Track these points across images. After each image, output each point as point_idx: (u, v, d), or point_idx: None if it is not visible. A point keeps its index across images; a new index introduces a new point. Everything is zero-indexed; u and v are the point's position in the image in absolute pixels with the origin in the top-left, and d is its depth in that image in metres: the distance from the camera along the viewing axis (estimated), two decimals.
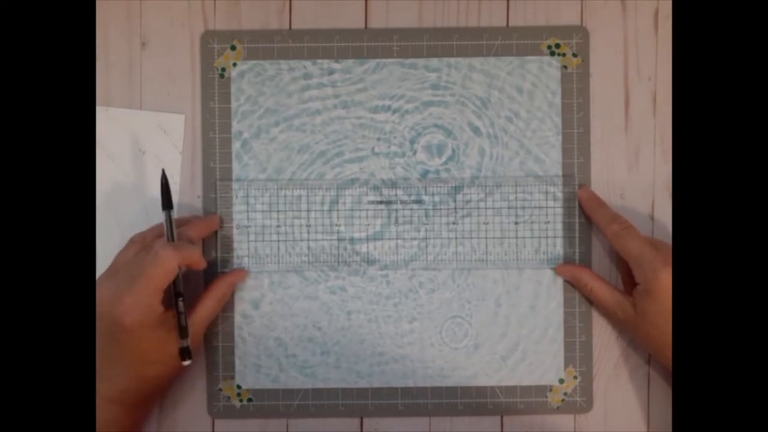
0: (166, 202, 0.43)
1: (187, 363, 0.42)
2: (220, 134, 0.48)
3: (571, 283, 0.47)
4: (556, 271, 0.47)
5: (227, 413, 0.47)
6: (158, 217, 0.47)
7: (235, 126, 0.47)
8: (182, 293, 0.42)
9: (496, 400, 0.47)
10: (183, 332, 0.42)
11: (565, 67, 0.48)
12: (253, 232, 0.47)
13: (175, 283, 0.42)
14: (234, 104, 0.48)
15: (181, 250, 0.41)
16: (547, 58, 0.48)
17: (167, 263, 0.40)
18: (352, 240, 0.47)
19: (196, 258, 0.42)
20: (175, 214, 0.47)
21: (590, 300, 0.47)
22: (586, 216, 0.47)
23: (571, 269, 0.46)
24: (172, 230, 0.42)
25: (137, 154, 0.47)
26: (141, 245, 0.43)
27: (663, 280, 0.41)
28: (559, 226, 0.47)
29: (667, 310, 0.41)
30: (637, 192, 0.48)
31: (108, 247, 0.46)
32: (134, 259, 0.41)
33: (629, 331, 0.45)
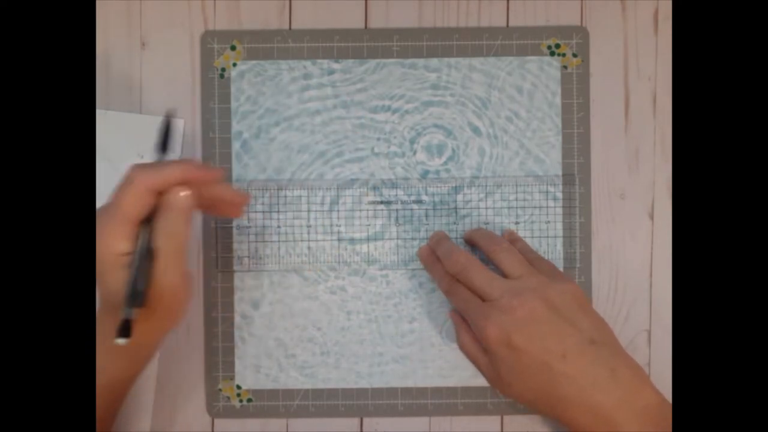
0: (161, 145, 0.36)
1: (121, 342, 0.32)
2: (220, 134, 0.48)
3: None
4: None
5: (227, 413, 0.47)
6: None
7: (235, 126, 0.48)
8: (152, 249, 0.34)
9: (496, 400, 0.47)
10: (137, 300, 0.33)
11: (565, 67, 0.48)
12: (253, 232, 0.47)
13: (148, 235, 0.34)
14: (234, 104, 0.48)
15: (159, 170, 0.34)
16: (547, 58, 0.48)
17: (135, 186, 0.33)
18: (352, 240, 0.47)
19: (184, 173, 0.34)
20: None
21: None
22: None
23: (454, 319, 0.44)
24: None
25: (136, 158, 0.47)
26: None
27: (490, 335, 0.40)
28: (560, 226, 0.47)
29: (514, 365, 0.39)
30: (637, 192, 0.48)
31: None
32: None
33: (505, 395, 0.43)
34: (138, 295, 0.33)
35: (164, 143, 0.37)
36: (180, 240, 0.35)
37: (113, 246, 0.34)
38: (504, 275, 0.42)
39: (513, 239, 0.46)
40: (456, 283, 0.43)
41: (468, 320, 0.42)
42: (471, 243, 0.46)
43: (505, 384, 0.41)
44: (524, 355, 0.39)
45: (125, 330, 0.33)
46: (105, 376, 0.37)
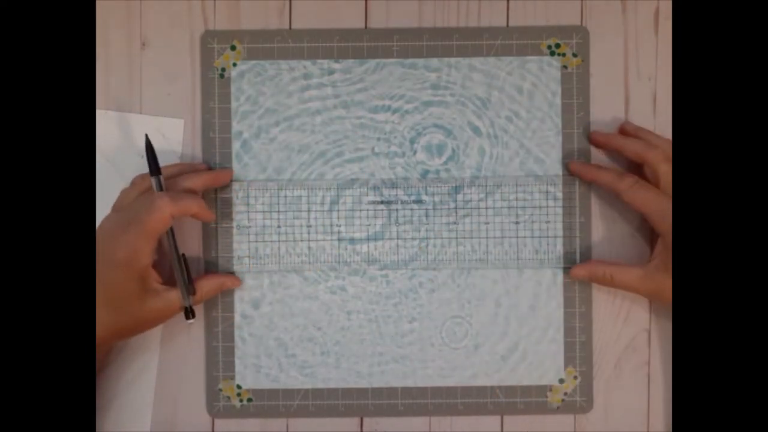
0: (154, 168, 0.43)
1: (191, 321, 0.44)
2: (220, 134, 0.48)
3: (588, 281, 0.47)
4: (572, 275, 0.46)
5: (227, 413, 0.47)
6: None
7: (235, 126, 0.48)
8: (184, 255, 0.44)
9: (496, 400, 0.47)
10: (190, 289, 0.44)
11: (565, 67, 0.48)
12: (253, 232, 0.47)
13: (175, 243, 0.44)
14: (234, 104, 0.48)
15: (179, 201, 0.42)
16: (547, 58, 0.48)
17: (161, 211, 0.41)
18: (352, 240, 0.47)
19: (196, 209, 0.43)
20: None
21: (614, 287, 0.45)
22: (586, 183, 0.47)
23: (585, 267, 0.46)
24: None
25: (136, 158, 0.47)
26: (141, 187, 0.44)
27: None
28: (559, 225, 0.47)
29: None
30: None
31: None
32: (133, 203, 0.43)
33: (663, 300, 0.44)
34: (191, 287, 0.44)
35: (155, 166, 0.43)
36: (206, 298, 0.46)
37: (140, 256, 0.41)
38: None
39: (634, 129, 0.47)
40: (640, 182, 0.44)
41: (651, 219, 0.43)
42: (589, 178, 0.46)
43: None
44: None
45: (191, 313, 0.44)
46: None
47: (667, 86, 0.48)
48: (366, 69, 0.48)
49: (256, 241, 0.47)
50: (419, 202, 0.47)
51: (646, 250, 0.47)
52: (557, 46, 0.48)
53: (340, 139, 0.47)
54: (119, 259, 0.40)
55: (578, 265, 0.46)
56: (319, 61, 0.48)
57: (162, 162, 0.44)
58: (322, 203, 0.47)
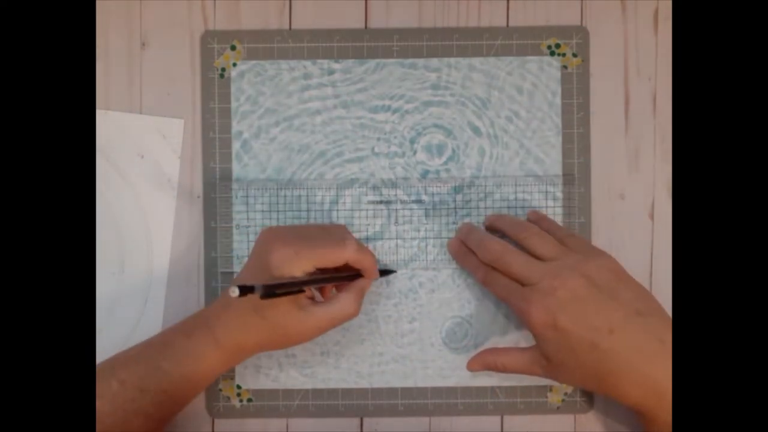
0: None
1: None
2: (220, 134, 0.48)
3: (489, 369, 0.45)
4: (468, 368, 0.45)
5: (227, 413, 0.47)
6: (154, 220, 0.47)
7: (235, 126, 0.48)
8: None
9: (496, 400, 0.47)
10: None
11: (565, 67, 0.48)
12: (252, 232, 0.47)
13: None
14: (234, 104, 0.48)
15: (366, 256, 0.42)
16: (547, 58, 0.48)
17: (349, 250, 0.41)
18: None
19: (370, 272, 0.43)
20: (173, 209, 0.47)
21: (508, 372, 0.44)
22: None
23: (478, 360, 0.44)
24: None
25: (136, 158, 0.47)
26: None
27: (534, 319, 0.39)
28: None
29: (562, 346, 0.39)
30: (637, 192, 0.48)
31: (105, 249, 0.46)
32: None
33: (557, 380, 0.42)
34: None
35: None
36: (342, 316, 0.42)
37: (295, 270, 0.40)
38: (538, 259, 0.41)
39: (539, 218, 0.46)
40: (493, 272, 0.42)
41: (510, 307, 0.42)
42: (495, 230, 0.46)
43: (554, 366, 0.40)
44: (571, 335, 0.39)
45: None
46: (206, 364, 0.41)
47: (667, 86, 0.48)
48: (366, 69, 0.48)
49: None
50: (419, 201, 0.47)
51: (645, 251, 0.47)
52: (557, 46, 0.48)
53: (340, 139, 0.47)
54: (288, 262, 0.40)
55: (471, 360, 0.45)
56: (319, 61, 0.48)
57: (162, 158, 0.43)
58: (322, 203, 0.47)
